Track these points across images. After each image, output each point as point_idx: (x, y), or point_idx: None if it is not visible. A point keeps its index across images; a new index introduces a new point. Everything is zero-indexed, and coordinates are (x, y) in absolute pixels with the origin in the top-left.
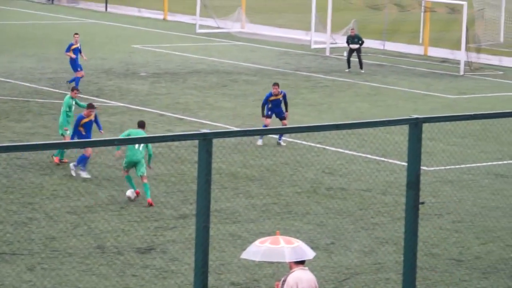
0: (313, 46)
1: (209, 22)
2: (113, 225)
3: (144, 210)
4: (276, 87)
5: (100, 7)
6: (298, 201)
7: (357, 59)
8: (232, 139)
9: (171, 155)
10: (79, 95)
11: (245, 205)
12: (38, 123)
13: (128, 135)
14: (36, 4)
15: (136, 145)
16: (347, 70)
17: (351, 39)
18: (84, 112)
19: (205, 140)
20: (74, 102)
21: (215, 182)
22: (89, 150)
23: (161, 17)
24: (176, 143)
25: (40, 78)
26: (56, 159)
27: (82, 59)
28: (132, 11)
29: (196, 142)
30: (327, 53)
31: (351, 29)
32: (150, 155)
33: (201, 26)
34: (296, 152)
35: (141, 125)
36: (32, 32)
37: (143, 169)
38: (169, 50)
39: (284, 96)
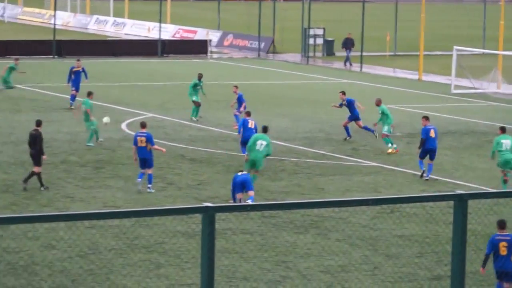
0: None
1: (464, 82)
2: (366, 285)
3: (397, 270)
4: None
5: (355, 67)
6: None
7: None
8: (488, 200)
9: (426, 215)
10: None
11: None
12: (292, 181)
13: (256, 139)
14: (291, 65)
15: (258, 147)
16: None
17: None
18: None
19: (461, 201)
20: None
21: (470, 243)
22: None
23: (416, 77)
24: (430, 203)
25: (294, 137)
26: None
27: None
28: (387, 71)
29: (451, 203)
30: None
31: None
32: (268, 154)
33: (456, 87)
34: None
35: (265, 129)
36: (287, 92)
37: (260, 167)
38: (423, 110)
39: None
